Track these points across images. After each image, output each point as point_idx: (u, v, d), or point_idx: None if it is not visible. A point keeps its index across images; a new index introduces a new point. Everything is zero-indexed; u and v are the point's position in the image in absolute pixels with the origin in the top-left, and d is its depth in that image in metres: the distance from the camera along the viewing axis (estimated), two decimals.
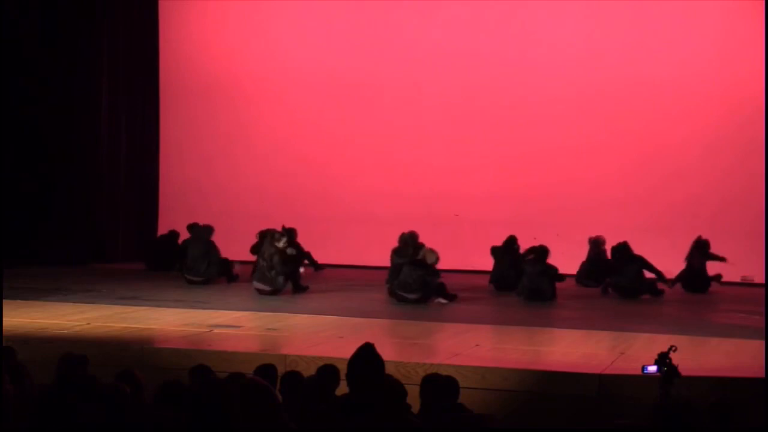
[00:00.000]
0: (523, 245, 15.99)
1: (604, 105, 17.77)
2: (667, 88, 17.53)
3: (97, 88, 18.78)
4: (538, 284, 14.53)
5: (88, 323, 11.75)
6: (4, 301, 10.77)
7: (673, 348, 7.39)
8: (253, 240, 16.16)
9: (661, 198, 17.44)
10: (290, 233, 15.56)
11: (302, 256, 16.00)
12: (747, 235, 16.67)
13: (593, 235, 16.41)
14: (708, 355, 10.71)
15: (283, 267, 14.71)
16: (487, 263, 16.52)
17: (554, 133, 17.96)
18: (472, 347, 10.83)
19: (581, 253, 16.27)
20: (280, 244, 14.82)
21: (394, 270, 14.80)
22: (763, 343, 11.29)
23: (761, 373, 9.60)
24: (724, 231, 16.53)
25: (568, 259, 15.35)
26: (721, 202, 17.17)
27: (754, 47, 16.86)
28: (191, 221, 16.99)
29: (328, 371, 7.29)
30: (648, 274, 15.13)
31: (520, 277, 15.01)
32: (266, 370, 7.45)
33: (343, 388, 6.61)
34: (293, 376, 7.38)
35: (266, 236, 15.15)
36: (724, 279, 15.96)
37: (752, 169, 16.96)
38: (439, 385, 6.67)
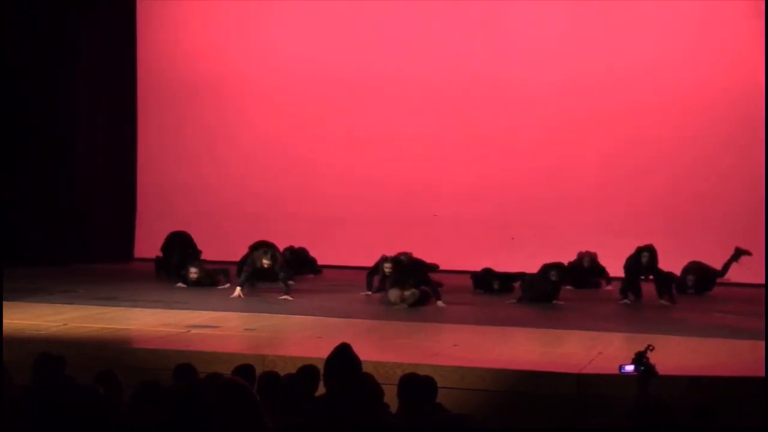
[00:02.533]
0: (501, 245, 16.03)
1: (584, 104, 17.80)
2: (651, 87, 17.57)
3: (75, 88, 18.70)
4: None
5: (65, 324, 11.70)
6: None
7: (651, 347, 7.41)
8: (232, 238, 16.18)
9: (642, 197, 17.47)
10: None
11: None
12: (728, 235, 16.72)
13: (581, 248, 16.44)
14: (685, 355, 10.75)
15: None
16: (466, 263, 16.57)
17: (533, 133, 17.99)
18: (451, 347, 10.84)
19: (558, 252, 16.20)
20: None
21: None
22: (740, 342, 11.36)
23: (738, 372, 9.66)
24: (709, 230, 16.57)
25: (546, 257, 15.30)
26: (710, 202, 17.18)
27: (736, 40, 17.00)
28: (170, 221, 16.95)
29: (308, 371, 7.27)
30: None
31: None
32: (244, 370, 7.44)
33: (323, 389, 6.61)
34: (271, 376, 7.36)
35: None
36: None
37: (735, 169, 17.07)
38: (418, 385, 6.66)
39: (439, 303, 14.02)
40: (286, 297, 14.38)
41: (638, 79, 17.60)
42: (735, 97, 16.98)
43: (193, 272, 15.57)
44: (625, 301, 14.67)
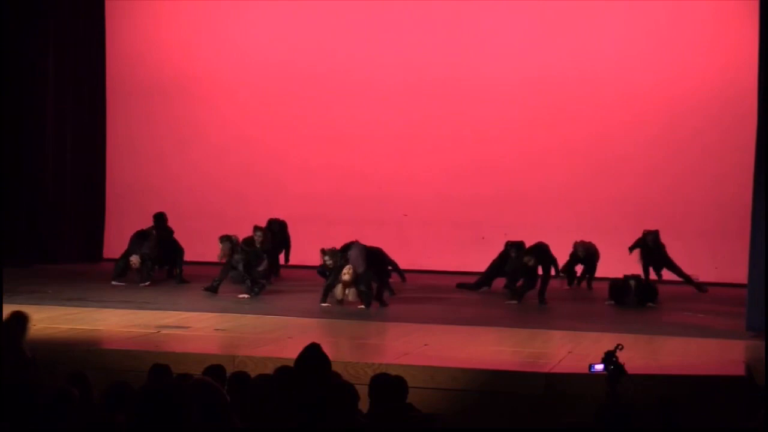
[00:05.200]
0: (472, 245, 16.08)
1: (553, 104, 17.83)
2: (621, 90, 17.64)
3: (43, 87, 18.57)
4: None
5: (34, 325, 11.62)
6: None
7: (620, 347, 7.45)
8: (202, 238, 16.17)
9: (611, 196, 17.51)
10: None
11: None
12: (697, 235, 16.81)
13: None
14: (654, 354, 10.82)
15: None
16: (436, 263, 16.61)
17: (502, 134, 18.02)
18: (421, 347, 10.86)
19: None
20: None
21: None
22: (711, 341, 11.43)
23: (707, 371, 9.72)
24: (680, 229, 16.63)
25: None
26: (684, 200, 17.25)
27: (712, 48, 17.14)
28: (139, 221, 16.89)
29: (284, 372, 7.26)
30: None
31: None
32: (214, 371, 7.43)
33: None
34: (241, 376, 7.36)
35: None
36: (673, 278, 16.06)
37: (712, 170, 17.19)
38: (388, 385, 6.67)
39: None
40: (243, 296, 14.56)
41: (608, 77, 17.65)
42: (709, 95, 17.10)
43: (134, 260, 15.72)
44: (611, 302, 14.72)
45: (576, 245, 16.12)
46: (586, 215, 17.37)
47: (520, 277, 14.72)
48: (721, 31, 17.15)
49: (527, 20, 18.01)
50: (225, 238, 15.10)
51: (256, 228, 15.69)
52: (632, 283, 14.59)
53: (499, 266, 15.71)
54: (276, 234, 16.67)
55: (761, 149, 11.74)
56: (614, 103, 17.67)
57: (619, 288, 14.68)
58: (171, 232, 16.55)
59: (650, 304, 14.47)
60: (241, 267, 14.81)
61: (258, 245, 15.33)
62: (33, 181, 18.48)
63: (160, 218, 16.61)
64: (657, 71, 17.47)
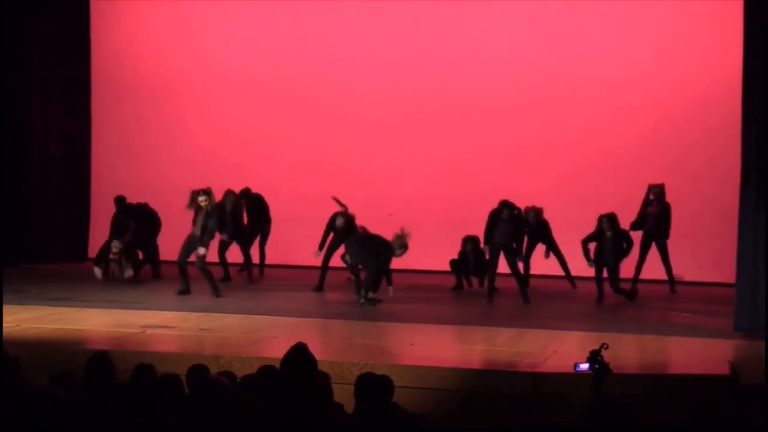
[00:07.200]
0: (458, 246, 16.10)
1: (543, 108, 17.85)
2: (607, 90, 17.67)
3: (29, 91, 18.55)
4: None
5: (19, 324, 11.61)
6: None
7: (605, 346, 7.47)
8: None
9: (598, 197, 17.47)
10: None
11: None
12: (682, 235, 16.82)
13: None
14: (640, 353, 10.84)
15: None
16: (421, 263, 16.59)
17: (492, 136, 18.03)
18: (407, 346, 10.87)
19: None
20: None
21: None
22: (693, 340, 11.46)
23: (691, 370, 9.74)
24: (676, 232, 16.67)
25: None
26: (679, 204, 17.27)
27: (696, 47, 17.19)
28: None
29: (269, 372, 7.25)
30: None
31: None
32: (197, 371, 7.40)
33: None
34: (226, 376, 7.34)
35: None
36: (661, 277, 16.06)
37: (692, 171, 17.24)
38: (374, 385, 6.67)
39: (390, 289, 14.37)
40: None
41: (600, 80, 17.67)
42: (695, 96, 17.17)
43: (116, 244, 15.89)
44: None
45: (527, 211, 15.79)
46: (577, 215, 17.34)
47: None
48: (723, 36, 17.15)
49: (520, 20, 18.02)
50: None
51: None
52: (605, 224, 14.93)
53: (462, 263, 15.94)
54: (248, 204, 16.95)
55: (747, 150, 11.76)
56: (604, 104, 17.69)
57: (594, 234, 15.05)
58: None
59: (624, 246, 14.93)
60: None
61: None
62: (18, 180, 18.44)
63: (122, 203, 17.00)
64: (652, 76, 17.51)
